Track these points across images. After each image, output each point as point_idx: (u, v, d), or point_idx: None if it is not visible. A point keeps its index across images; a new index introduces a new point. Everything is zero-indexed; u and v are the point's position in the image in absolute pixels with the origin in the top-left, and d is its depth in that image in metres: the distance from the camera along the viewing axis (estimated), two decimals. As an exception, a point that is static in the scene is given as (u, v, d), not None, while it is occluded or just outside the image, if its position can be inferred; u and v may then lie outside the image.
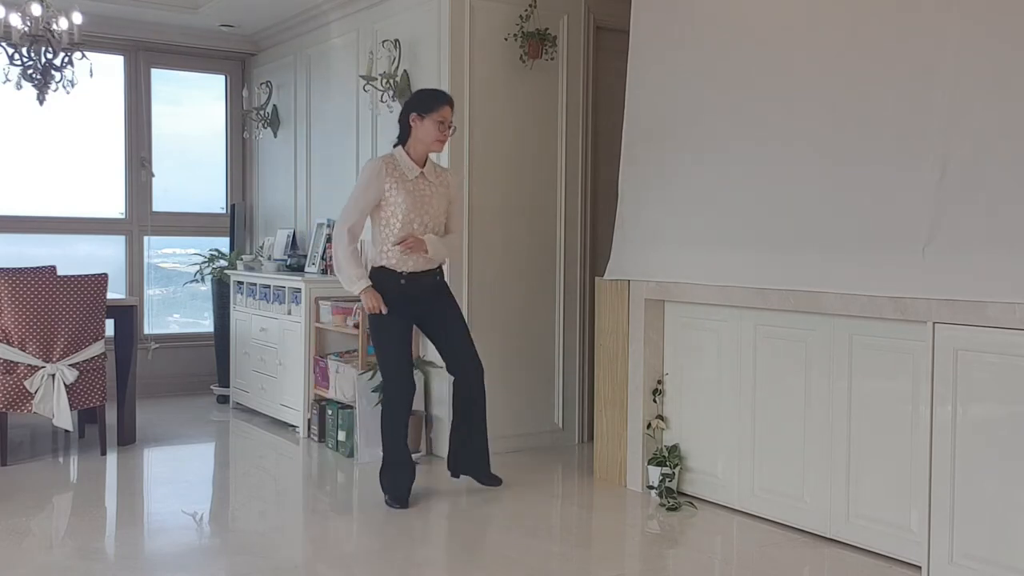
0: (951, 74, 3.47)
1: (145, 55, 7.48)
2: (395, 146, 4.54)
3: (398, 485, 4.48)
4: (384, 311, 4.40)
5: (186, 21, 7.08)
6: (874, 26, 3.77)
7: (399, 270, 4.43)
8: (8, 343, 5.16)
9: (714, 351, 4.49)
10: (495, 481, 4.76)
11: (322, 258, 6.33)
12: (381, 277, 4.45)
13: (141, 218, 7.52)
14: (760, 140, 4.20)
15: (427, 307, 4.55)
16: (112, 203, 7.49)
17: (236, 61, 7.84)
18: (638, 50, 4.89)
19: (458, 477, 4.80)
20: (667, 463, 4.59)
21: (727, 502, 4.43)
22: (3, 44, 5.80)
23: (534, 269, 5.60)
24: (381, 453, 4.58)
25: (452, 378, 4.71)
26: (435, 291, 4.58)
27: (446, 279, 4.74)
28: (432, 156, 4.60)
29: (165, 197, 7.61)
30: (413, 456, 5.21)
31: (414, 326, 4.68)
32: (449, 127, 4.47)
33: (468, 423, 4.68)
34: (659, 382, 4.75)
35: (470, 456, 4.74)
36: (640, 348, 4.75)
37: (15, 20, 5.56)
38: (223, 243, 7.54)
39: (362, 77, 5.84)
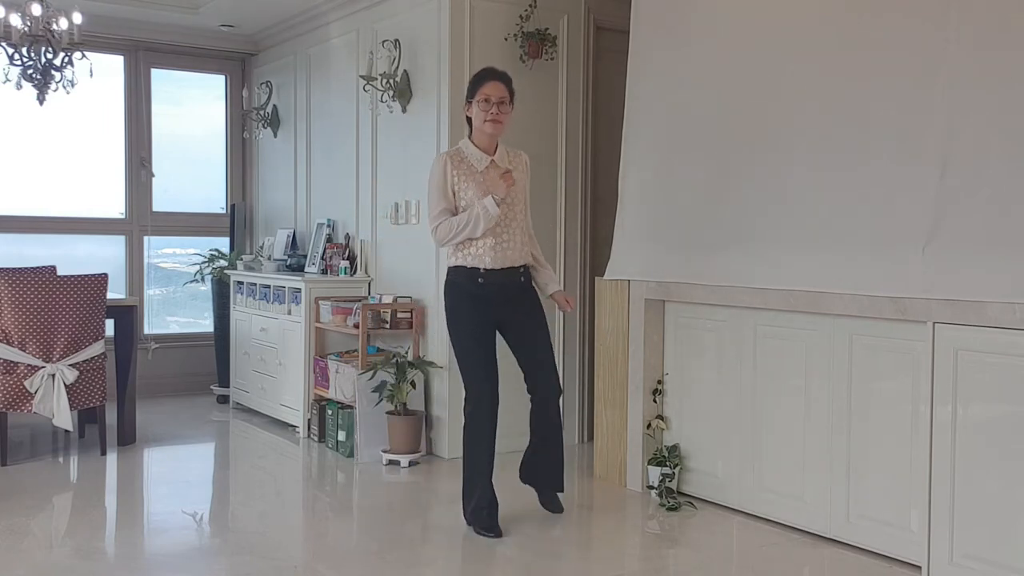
0: (951, 74, 3.47)
1: (145, 55, 7.48)
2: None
3: (484, 512, 4.03)
4: (512, 181, 4.00)
5: (186, 21, 7.07)
6: (874, 26, 3.77)
7: (477, 267, 4.00)
8: (8, 343, 5.16)
9: (714, 351, 4.49)
10: (556, 506, 4.31)
11: (322, 258, 6.33)
12: (458, 276, 4.04)
13: (141, 218, 7.51)
14: (760, 140, 4.20)
15: (509, 311, 4.09)
16: (112, 203, 7.49)
17: (236, 61, 7.84)
18: (638, 50, 4.89)
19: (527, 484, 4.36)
20: (667, 463, 4.59)
21: (727, 502, 4.43)
22: (3, 44, 5.80)
23: (534, 269, 5.59)
24: (461, 471, 4.12)
25: (530, 398, 4.17)
26: (519, 292, 4.12)
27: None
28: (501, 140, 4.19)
29: (165, 197, 7.60)
30: (413, 456, 5.23)
31: (496, 331, 4.16)
32: (497, 103, 4.00)
33: (545, 443, 4.23)
34: (659, 382, 4.75)
35: (540, 466, 4.29)
36: (640, 348, 4.74)
37: (15, 20, 5.56)
38: (223, 243, 7.54)
39: (362, 77, 5.84)
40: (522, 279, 4.13)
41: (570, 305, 4.38)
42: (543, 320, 4.18)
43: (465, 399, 4.09)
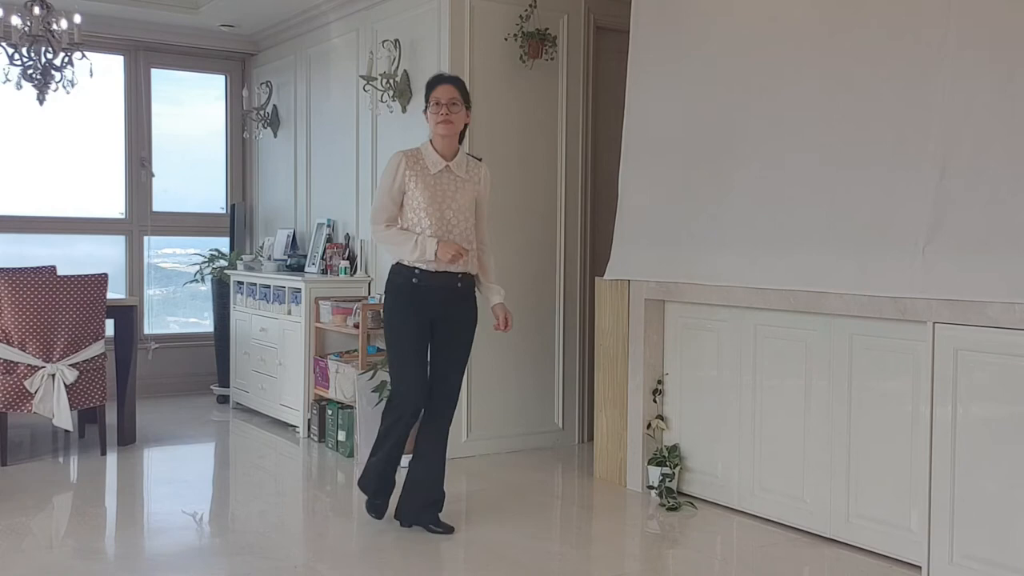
0: (951, 74, 3.47)
1: (145, 55, 7.48)
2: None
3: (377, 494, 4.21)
4: (464, 252, 3.97)
5: (186, 21, 7.08)
6: (874, 26, 3.77)
7: (413, 267, 3.99)
8: (8, 343, 5.16)
9: (714, 351, 4.49)
10: (446, 528, 4.13)
11: (322, 258, 6.34)
12: (394, 274, 4.06)
13: (141, 218, 7.52)
14: (760, 140, 4.20)
15: (439, 315, 4.04)
16: (112, 203, 7.49)
17: (236, 61, 7.84)
18: (638, 50, 4.89)
19: (409, 527, 4.15)
20: (667, 463, 4.59)
21: (727, 502, 4.43)
22: (3, 44, 5.80)
23: (534, 269, 5.60)
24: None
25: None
26: (453, 299, 4.06)
27: (476, 290, 4.19)
28: (464, 149, 4.18)
29: (165, 197, 7.61)
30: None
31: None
32: (448, 104, 4.01)
33: (421, 467, 4.15)
34: (659, 382, 4.75)
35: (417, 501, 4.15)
36: (640, 348, 4.74)
37: (15, 20, 5.56)
38: (223, 243, 7.54)
39: (362, 77, 5.84)
40: (459, 285, 4.05)
41: (508, 326, 4.19)
42: (469, 340, 4.15)
43: (390, 397, 4.13)
